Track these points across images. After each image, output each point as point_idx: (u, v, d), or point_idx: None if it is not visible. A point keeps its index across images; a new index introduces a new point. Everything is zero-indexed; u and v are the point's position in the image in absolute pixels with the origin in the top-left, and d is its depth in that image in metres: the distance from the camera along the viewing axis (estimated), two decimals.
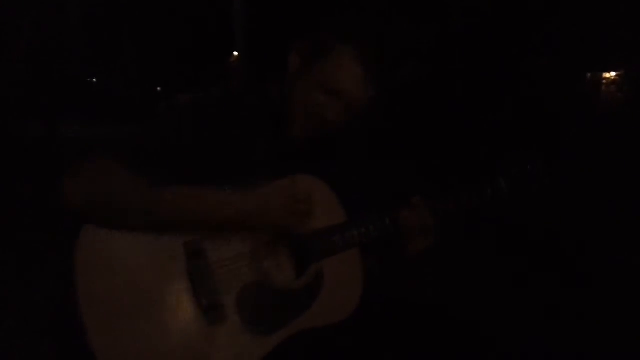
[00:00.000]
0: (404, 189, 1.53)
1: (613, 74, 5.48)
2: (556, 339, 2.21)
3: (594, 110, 5.32)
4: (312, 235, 1.37)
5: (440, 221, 1.43)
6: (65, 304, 1.15)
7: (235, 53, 10.04)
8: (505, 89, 4.82)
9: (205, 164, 1.31)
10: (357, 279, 1.43)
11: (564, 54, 4.96)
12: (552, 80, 4.82)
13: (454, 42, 4.98)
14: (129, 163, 1.21)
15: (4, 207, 4.17)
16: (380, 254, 1.52)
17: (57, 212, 1.20)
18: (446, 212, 1.46)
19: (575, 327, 2.26)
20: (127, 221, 1.21)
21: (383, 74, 1.40)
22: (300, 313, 1.33)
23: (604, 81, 5.46)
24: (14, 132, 7.63)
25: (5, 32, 9.16)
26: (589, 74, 5.42)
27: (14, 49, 9.22)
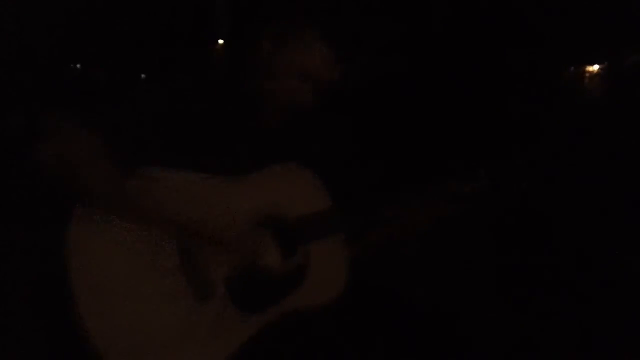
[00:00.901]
0: (382, 173, 1.55)
1: (596, 66, 5.50)
2: (551, 340, 2.22)
3: (576, 103, 5.35)
4: (299, 220, 1.40)
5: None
6: (57, 282, 1.17)
7: (220, 41, 9.99)
8: (486, 82, 4.83)
9: (179, 149, 1.32)
10: (342, 264, 1.46)
11: (546, 46, 4.98)
12: (533, 73, 4.84)
13: (434, 34, 4.98)
14: (108, 140, 1.23)
15: None
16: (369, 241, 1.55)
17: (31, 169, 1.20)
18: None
19: (571, 330, 2.27)
20: (92, 198, 1.22)
21: (355, 56, 1.42)
22: (286, 295, 1.37)
23: (587, 74, 5.48)
24: None
25: None
26: (571, 67, 5.44)
27: None
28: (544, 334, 2.39)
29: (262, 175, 1.46)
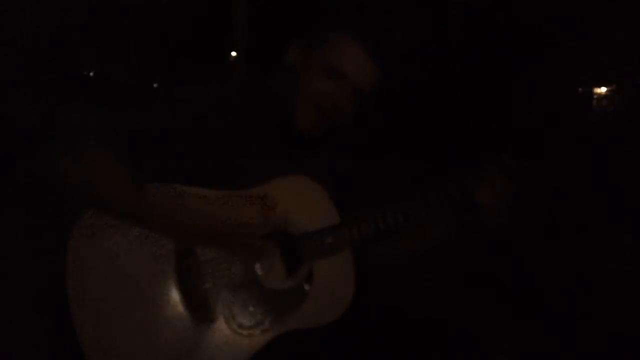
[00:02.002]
0: (400, 190, 1.53)
1: (604, 89, 5.53)
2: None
3: (586, 123, 5.37)
4: (304, 236, 1.37)
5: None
6: (57, 299, 1.18)
7: (234, 53, 10.05)
8: (498, 98, 4.87)
9: (202, 161, 1.31)
10: (348, 282, 1.42)
11: (557, 67, 5.02)
12: (544, 93, 4.88)
13: (452, 46, 5.03)
14: (118, 153, 1.21)
15: None
16: (375, 257, 1.53)
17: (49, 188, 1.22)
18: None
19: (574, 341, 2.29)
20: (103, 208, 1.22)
21: (385, 55, 1.40)
22: (289, 313, 1.34)
23: (595, 96, 5.51)
24: (10, 117, 7.59)
25: (5, 20, 9.13)
26: (580, 89, 5.48)
27: (14, 36, 9.20)
28: (544, 342, 2.42)
29: (270, 187, 1.41)
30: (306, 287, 1.37)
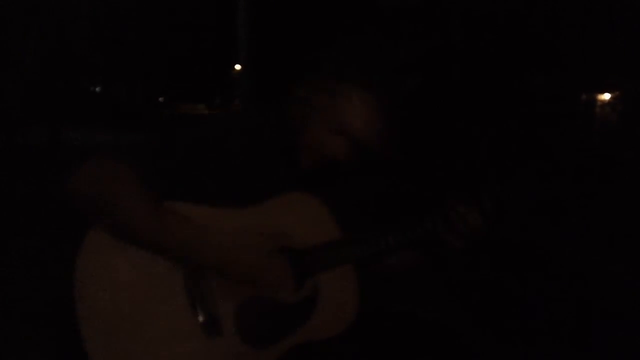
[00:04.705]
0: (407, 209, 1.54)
1: (607, 95, 5.54)
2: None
3: (588, 130, 5.38)
4: (309, 250, 1.38)
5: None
6: (65, 314, 1.18)
7: (238, 66, 10.09)
8: (500, 106, 4.88)
9: (213, 184, 1.32)
10: (353, 294, 1.43)
11: (561, 73, 5.03)
12: (547, 99, 4.89)
13: (453, 56, 5.05)
14: (140, 172, 1.22)
15: (5, 211, 4.19)
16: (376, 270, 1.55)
17: (61, 205, 1.23)
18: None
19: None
20: (122, 233, 1.22)
21: (389, 103, 1.40)
22: (297, 327, 1.35)
23: (598, 102, 5.52)
24: (17, 137, 7.66)
25: (12, 39, 9.23)
26: (583, 95, 5.49)
27: (20, 55, 9.29)
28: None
29: (271, 204, 1.41)
30: (313, 299, 1.38)
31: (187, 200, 1.29)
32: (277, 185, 1.41)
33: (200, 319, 1.25)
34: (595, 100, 5.53)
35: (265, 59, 8.64)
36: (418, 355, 1.58)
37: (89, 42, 11.14)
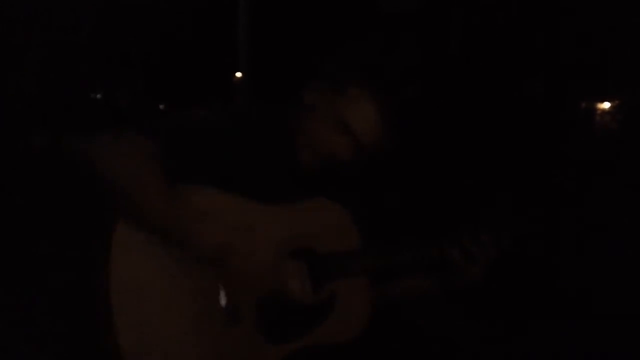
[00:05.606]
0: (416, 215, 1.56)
1: (607, 104, 5.55)
2: None
3: (588, 139, 5.39)
4: (330, 255, 1.41)
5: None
6: (94, 293, 1.19)
7: (238, 74, 10.13)
8: (499, 114, 4.90)
9: (221, 171, 1.34)
10: (365, 309, 1.46)
11: (560, 81, 5.05)
12: (546, 107, 4.91)
13: (453, 63, 5.07)
14: (157, 151, 1.23)
15: (7, 215, 4.20)
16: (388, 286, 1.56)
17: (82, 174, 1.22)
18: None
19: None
20: (130, 208, 1.22)
21: (395, 107, 1.42)
22: (311, 328, 1.38)
23: (598, 111, 5.53)
24: (18, 141, 7.67)
25: (14, 45, 9.26)
26: (583, 103, 5.50)
27: (22, 61, 9.32)
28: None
29: (296, 207, 1.43)
30: (329, 305, 1.41)
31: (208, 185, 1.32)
32: (277, 184, 1.44)
33: (223, 303, 1.28)
34: (595, 109, 5.54)
35: (265, 67, 8.66)
36: None
37: (90, 49, 11.20)
